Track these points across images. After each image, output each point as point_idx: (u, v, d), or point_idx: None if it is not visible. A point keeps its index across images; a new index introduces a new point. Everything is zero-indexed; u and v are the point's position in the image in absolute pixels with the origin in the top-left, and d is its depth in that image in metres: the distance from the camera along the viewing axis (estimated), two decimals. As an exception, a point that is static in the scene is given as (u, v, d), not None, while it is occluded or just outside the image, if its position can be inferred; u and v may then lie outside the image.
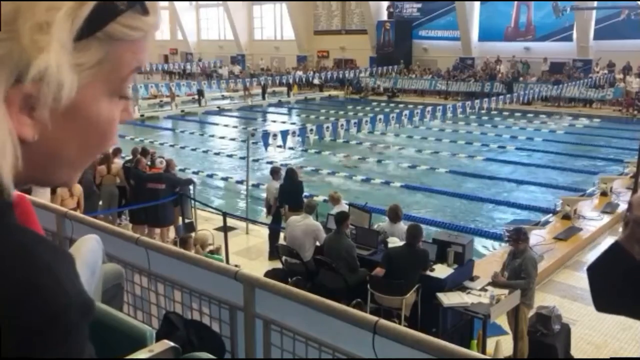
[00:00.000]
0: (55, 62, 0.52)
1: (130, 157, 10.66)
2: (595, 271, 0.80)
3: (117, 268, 3.37)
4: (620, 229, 0.79)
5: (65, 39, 0.53)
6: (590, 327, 6.75)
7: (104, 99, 0.59)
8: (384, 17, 35.31)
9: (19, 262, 0.54)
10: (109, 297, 3.07)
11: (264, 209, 10.53)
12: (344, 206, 8.60)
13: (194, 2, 45.42)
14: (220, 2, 41.54)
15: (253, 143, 13.11)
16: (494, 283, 6.44)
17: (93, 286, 2.80)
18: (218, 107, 28.73)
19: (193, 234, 8.50)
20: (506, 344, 6.36)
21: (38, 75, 0.52)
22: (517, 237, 6.34)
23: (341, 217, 7.19)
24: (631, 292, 0.75)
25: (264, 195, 10.65)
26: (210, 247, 8.04)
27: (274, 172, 9.95)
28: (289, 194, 9.32)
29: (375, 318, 2.45)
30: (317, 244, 7.39)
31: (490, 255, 9.40)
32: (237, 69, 38.67)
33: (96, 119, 0.59)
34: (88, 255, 2.77)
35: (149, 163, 9.86)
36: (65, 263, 0.58)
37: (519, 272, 6.22)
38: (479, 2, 31.86)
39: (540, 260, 8.42)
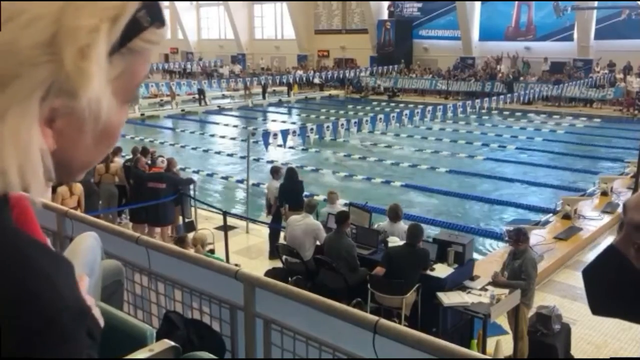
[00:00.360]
0: (99, 89, 0.54)
1: (131, 156, 10.67)
2: (591, 274, 0.80)
3: (117, 264, 3.36)
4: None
5: (103, 61, 0.54)
6: (591, 327, 6.76)
7: (116, 107, 0.60)
8: (385, 16, 35.31)
9: (16, 267, 0.54)
10: (109, 293, 3.06)
11: (265, 208, 10.53)
12: (338, 207, 8.59)
13: (194, 2, 45.42)
14: (221, 1, 41.53)
15: (253, 142, 13.12)
16: (494, 283, 6.45)
17: (92, 284, 2.79)
18: (218, 107, 28.73)
19: (191, 234, 8.50)
20: (506, 344, 6.36)
21: (87, 104, 0.54)
22: (517, 237, 6.34)
23: (342, 217, 7.19)
24: (627, 296, 0.75)
25: (265, 194, 10.66)
26: (210, 247, 8.04)
27: (275, 171, 9.95)
28: (289, 193, 9.32)
29: (375, 318, 2.45)
30: (318, 243, 7.39)
31: (490, 255, 9.41)
32: (237, 68, 38.69)
33: (110, 127, 0.60)
34: (86, 253, 2.76)
35: (149, 162, 9.86)
36: (61, 268, 0.59)
37: (519, 272, 6.22)
38: (479, 2, 31.86)
39: (540, 260, 8.43)
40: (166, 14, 0.60)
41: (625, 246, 0.74)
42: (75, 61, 0.52)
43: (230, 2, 40.54)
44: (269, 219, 9.85)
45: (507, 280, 6.33)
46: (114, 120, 0.60)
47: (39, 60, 0.52)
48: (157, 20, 0.58)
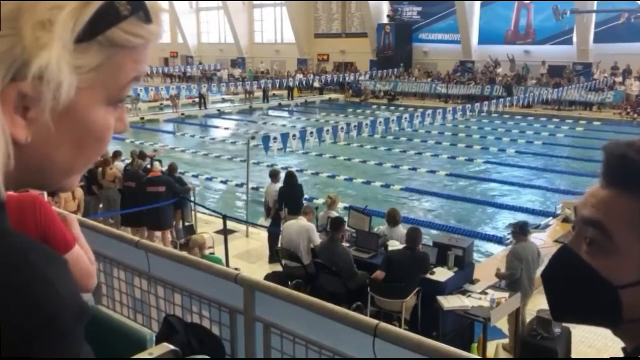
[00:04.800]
0: (56, 60, 0.52)
1: (130, 160, 10.67)
2: (548, 276, 0.80)
3: None
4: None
5: (67, 39, 0.52)
6: (591, 331, 6.73)
7: (100, 105, 0.58)
8: (385, 20, 35.37)
9: (13, 268, 0.54)
10: None
11: (264, 212, 10.51)
12: (333, 213, 8.51)
13: (194, 5, 45.50)
14: (221, 2, 41.57)
15: (253, 146, 13.11)
16: (496, 275, 6.80)
17: None
18: (219, 111, 28.77)
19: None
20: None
21: (39, 73, 0.51)
22: (514, 230, 6.90)
23: (336, 224, 7.15)
24: (582, 294, 0.76)
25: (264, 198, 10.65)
26: (210, 250, 8.03)
27: (273, 175, 9.93)
28: (289, 197, 9.30)
29: (376, 321, 2.44)
30: (312, 246, 7.38)
31: (491, 259, 9.40)
32: (237, 72, 38.75)
33: (92, 125, 0.58)
34: None
35: (148, 166, 9.86)
36: (58, 267, 0.58)
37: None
38: (479, 6, 31.92)
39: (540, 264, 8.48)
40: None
41: (577, 244, 0.76)
42: (33, 32, 0.51)
43: (230, 6, 40.60)
44: (268, 223, 9.84)
45: (501, 272, 6.71)
46: (99, 119, 0.58)
47: (0, 34, 0.51)
48: (140, 10, 0.56)
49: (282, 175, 10.15)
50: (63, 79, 0.53)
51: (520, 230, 6.74)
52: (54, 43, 0.51)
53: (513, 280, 6.50)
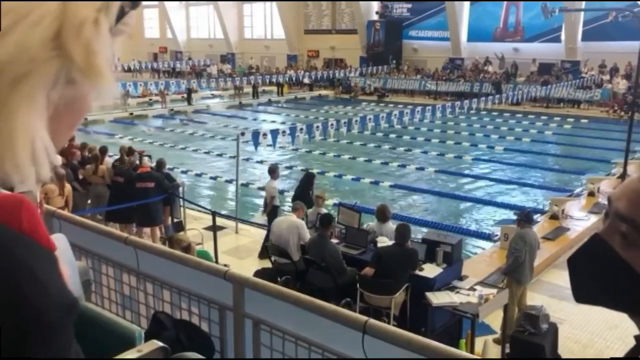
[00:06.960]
0: (112, 81, 0.55)
1: (118, 155, 10.61)
2: (575, 262, 0.81)
3: (84, 265, 3.53)
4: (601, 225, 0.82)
5: (108, 51, 0.55)
6: (578, 327, 6.81)
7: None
8: (374, 16, 35.37)
9: (2, 265, 0.54)
10: (83, 291, 3.18)
11: (260, 209, 10.45)
12: (323, 209, 8.53)
13: (183, 1, 45.23)
14: (211, 0, 41.39)
15: (243, 142, 13.08)
16: (501, 271, 7.08)
17: (75, 282, 2.84)
18: (207, 106, 28.65)
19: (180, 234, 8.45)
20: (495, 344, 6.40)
21: (98, 95, 0.55)
22: (519, 217, 7.14)
23: (325, 220, 7.16)
24: (611, 284, 0.76)
25: (254, 194, 10.63)
26: (199, 247, 8.00)
27: (272, 170, 9.87)
28: (300, 197, 9.20)
29: (365, 318, 2.45)
30: (302, 242, 7.39)
31: (479, 255, 9.46)
32: (226, 67, 38.58)
33: (86, 108, 0.60)
34: (66, 253, 2.82)
35: (137, 162, 9.80)
36: (46, 262, 0.58)
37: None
38: (468, 3, 32.00)
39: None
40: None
41: (610, 235, 0.76)
42: (85, 56, 0.53)
43: (219, 2, 40.40)
44: (261, 219, 9.81)
45: (505, 265, 6.91)
46: (89, 103, 0.60)
47: (49, 56, 0.52)
48: (137, 5, 0.59)
49: (281, 171, 10.05)
50: (111, 89, 0.56)
51: (526, 218, 7.07)
52: (103, 62, 0.54)
53: (518, 263, 6.69)
